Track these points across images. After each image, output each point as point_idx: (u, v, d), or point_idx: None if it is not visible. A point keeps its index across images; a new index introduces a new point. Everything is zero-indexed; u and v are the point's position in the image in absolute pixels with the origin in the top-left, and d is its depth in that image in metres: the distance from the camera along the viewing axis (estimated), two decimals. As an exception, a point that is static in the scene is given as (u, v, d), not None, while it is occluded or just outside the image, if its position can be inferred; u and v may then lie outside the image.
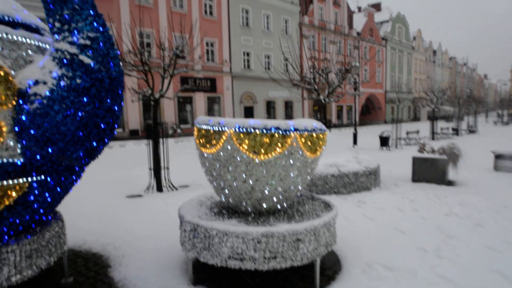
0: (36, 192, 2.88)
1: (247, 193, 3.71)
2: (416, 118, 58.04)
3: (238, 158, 3.51)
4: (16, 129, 2.64)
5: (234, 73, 29.48)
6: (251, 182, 3.61)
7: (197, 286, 3.59)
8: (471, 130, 29.21)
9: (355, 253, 4.38)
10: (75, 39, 2.77)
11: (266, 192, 3.70)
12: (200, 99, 27.39)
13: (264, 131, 3.43)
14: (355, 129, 18.61)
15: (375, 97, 47.06)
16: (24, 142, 2.65)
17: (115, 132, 3.19)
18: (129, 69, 7.95)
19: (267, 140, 3.44)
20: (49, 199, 3.07)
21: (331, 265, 4.10)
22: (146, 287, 3.58)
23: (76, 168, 3.08)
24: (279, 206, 3.97)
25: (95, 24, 2.86)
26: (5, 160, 2.63)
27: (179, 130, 25.39)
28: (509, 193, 7.55)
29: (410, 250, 4.51)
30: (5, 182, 2.66)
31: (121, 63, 3.07)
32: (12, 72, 2.70)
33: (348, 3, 41.91)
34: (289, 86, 16.90)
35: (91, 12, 2.88)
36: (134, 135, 23.69)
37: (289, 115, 35.22)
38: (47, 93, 2.66)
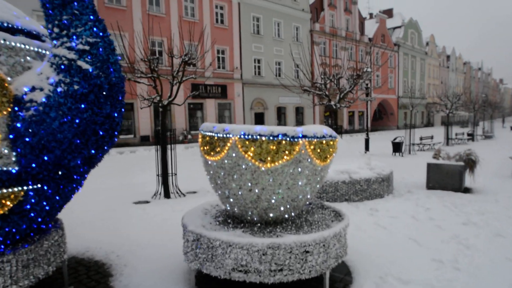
0: (33, 200, 2.80)
1: (252, 202, 3.57)
2: (429, 124, 57.07)
3: (244, 166, 3.37)
4: (11, 136, 2.56)
5: (245, 79, 29.51)
6: (257, 191, 3.47)
7: (200, 299, 3.45)
8: (487, 136, 28.49)
9: (367, 264, 4.18)
10: (73, 44, 2.69)
11: (273, 201, 3.55)
12: (210, 106, 27.47)
13: (271, 138, 3.29)
14: (367, 135, 18.31)
15: (387, 103, 46.49)
16: (19, 150, 2.58)
17: (115, 139, 3.10)
18: (136, 76, 7.94)
19: (274, 148, 3.29)
20: (47, 208, 2.99)
21: (342, 278, 3.91)
22: (147, 299, 3.46)
23: (75, 177, 2.99)
24: (286, 216, 3.81)
25: (95, 29, 2.78)
26: (-1, 168, 2.55)
27: (189, 136, 25.45)
28: (529, 201, 7.22)
29: (425, 262, 4.29)
30: (-1, 191, 2.58)
31: (122, 69, 2.98)
32: (9, 79, 2.63)
33: (360, 10, 41.69)
34: (300, 92, 16.75)
35: (91, 17, 2.80)
36: (145, 141, 23.84)
37: (300, 121, 35.02)
38: (44, 100, 2.58)
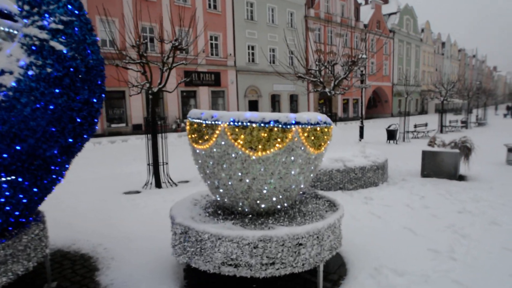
0: (7, 193, 2.60)
1: (243, 192, 3.40)
2: (423, 111, 57.13)
3: (233, 155, 3.20)
4: (-22, 124, 2.36)
5: (239, 66, 29.09)
6: (247, 180, 3.30)
7: (189, 294, 3.32)
8: (480, 123, 28.58)
9: (362, 255, 4.07)
10: (45, 23, 2.46)
11: (265, 191, 3.39)
12: (204, 93, 27.10)
13: (262, 125, 3.10)
14: (362, 123, 18.18)
15: (382, 90, 46.31)
16: (-13, 139, 2.37)
17: (95, 127, 2.89)
18: (125, 62, 7.66)
19: (265, 135, 3.11)
20: (24, 201, 2.80)
21: (336, 269, 3.80)
22: (134, 294, 3.31)
23: (52, 167, 2.79)
24: (279, 206, 3.66)
25: (69, 6, 2.56)
26: (-31, 159, 2.35)
27: (182, 125, 25.16)
28: (524, 188, 7.17)
29: (421, 252, 4.20)
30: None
31: (100, 51, 2.76)
32: (-26, 61, 2.41)
33: (355, -5, 41.10)
34: (294, 79, 16.50)
35: (66, -7, 2.57)
36: (137, 129, 23.51)
37: (294, 109, 34.79)
38: (14, 84, 2.37)
